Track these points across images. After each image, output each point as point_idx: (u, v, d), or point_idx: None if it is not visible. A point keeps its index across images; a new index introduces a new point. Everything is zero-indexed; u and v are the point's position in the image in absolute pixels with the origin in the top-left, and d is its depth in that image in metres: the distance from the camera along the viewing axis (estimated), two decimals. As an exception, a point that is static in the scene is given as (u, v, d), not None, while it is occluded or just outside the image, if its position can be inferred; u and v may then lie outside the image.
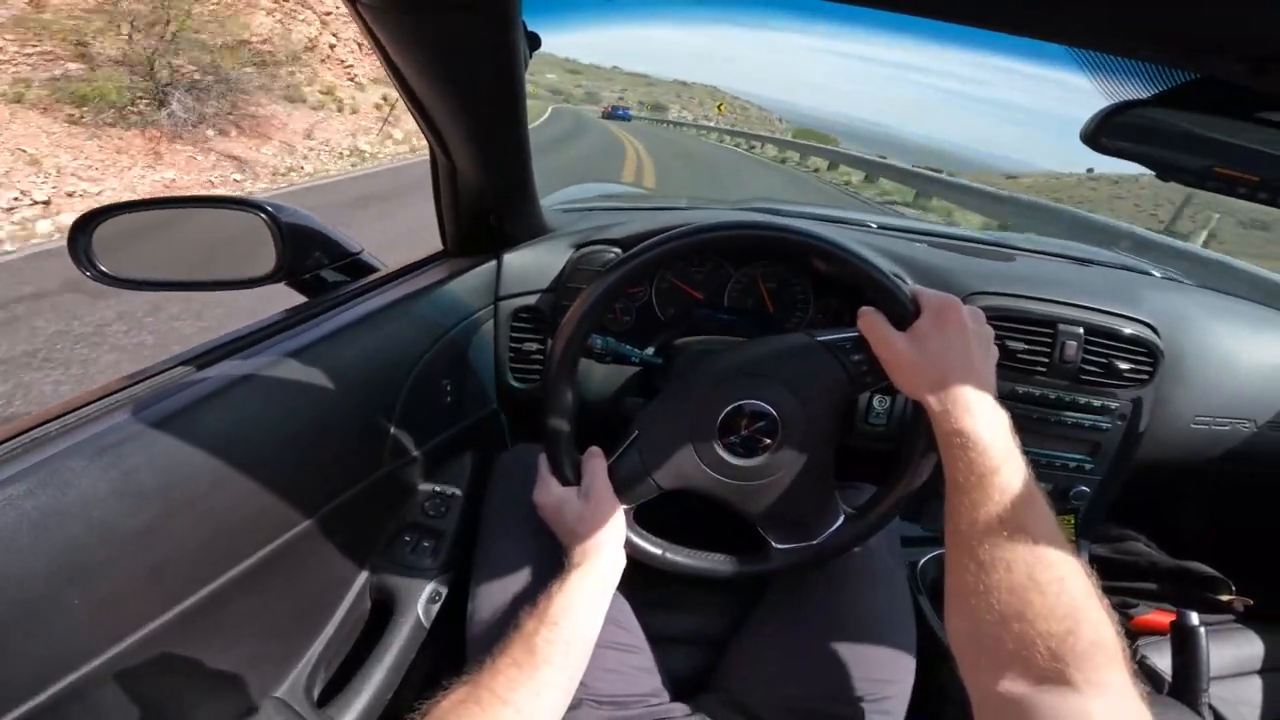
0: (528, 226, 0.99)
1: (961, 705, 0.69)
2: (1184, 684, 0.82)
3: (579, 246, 0.97)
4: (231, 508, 0.61)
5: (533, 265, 0.97)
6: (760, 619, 0.77)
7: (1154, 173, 0.53)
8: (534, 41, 0.59)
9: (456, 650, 0.73)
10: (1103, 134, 0.53)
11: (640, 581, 0.75)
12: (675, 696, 0.73)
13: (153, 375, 0.65)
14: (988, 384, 0.57)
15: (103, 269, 0.77)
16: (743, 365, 0.69)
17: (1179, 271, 1.33)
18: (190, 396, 0.61)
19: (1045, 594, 0.44)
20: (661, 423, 0.70)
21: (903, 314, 0.63)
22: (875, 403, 0.94)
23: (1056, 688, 0.40)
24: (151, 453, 0.56)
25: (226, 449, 0.61)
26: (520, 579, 0.73)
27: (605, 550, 0.65)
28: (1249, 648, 0.95)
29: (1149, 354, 0.96)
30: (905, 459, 0.70)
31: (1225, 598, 1.03)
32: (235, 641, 0.66)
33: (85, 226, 0.76)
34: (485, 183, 0.84)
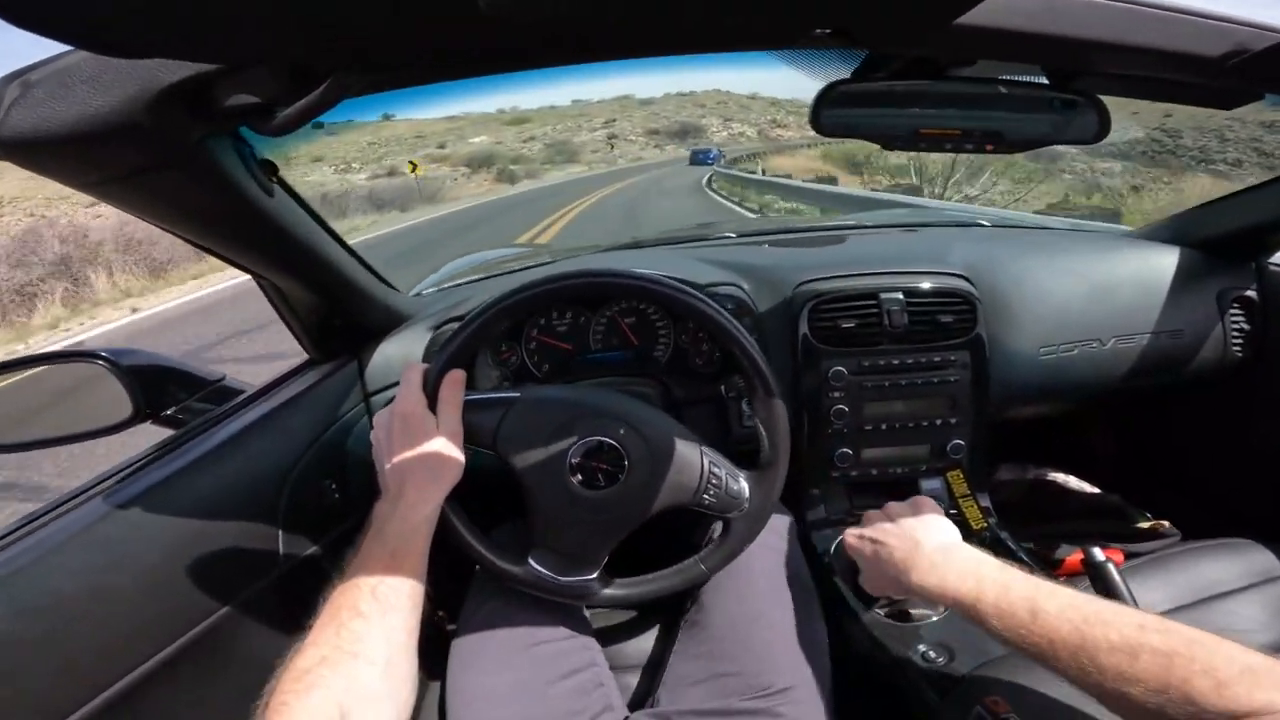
0: (382, 319, 0.99)
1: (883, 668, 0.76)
2: None
3: (436, 328, 0.98)
4: (106, 626, 0.63)
5: (396, 356, 0.97)
6: (678, 633, 0.81)
7: (878, 145, 0.56)
8: (268, 169, 0.61)
9: None
10: (821, 116, 0.55)
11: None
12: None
13: (12, 532, 0.66)
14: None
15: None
16: (627, 413, 0.74)
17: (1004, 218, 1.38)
18: (47, 543, 0.63)
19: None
20: (539, 408, 0.73)
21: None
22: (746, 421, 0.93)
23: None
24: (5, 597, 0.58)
25: (95, 582, 0.64)
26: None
27: (444, 480, 0.65)
28: (1188, 575, 0.92)
29: (966, 302, 0.99)
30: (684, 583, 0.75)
31: (1144, 525, 1.01)
32: None
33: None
34: (311, 292, 0.84)
